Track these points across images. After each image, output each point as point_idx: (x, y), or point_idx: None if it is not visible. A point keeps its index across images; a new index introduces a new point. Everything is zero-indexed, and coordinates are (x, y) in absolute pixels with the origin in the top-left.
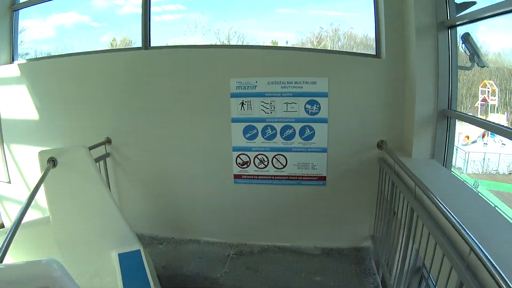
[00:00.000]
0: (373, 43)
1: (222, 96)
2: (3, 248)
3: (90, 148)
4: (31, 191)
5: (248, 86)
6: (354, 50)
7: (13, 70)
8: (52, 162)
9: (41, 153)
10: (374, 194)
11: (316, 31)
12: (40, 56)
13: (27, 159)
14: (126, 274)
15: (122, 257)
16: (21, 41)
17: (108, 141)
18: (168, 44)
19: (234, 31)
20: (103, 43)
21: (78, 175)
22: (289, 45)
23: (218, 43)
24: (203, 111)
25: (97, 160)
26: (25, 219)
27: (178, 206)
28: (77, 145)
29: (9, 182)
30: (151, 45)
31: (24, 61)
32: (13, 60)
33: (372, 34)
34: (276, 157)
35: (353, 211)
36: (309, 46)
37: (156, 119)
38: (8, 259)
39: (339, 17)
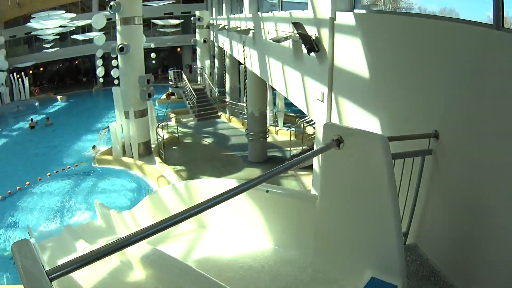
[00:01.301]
0: None
1: None
2: None
3: (409, 138)
4: (304, 156)
5: None
6: None
7: (350, 18)
8: (337, 141)
9: (327, 126)
10: None
11: None
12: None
13: (349, 114)
14: None
15: (373, 283)
16: None
17: (435, 135)
18: None
19: None
20: None
21: (364, 168)
22: None
23: None
24: None
25: (412, 154)
26: None
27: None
28: (375, 133)
29: None
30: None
31: (363, 12)
32: (353, 8)
33: None
34: None
35: None
36: None
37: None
38: (265, 224)
39: None
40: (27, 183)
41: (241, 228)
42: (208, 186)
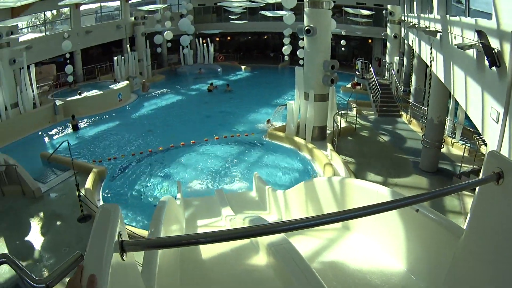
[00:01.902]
0: None
1: None
2: None
3: None
4: (459, 185)
5: None
6: None
7: None
8: (498, 175)
9: (491, 155)
10: None
11: None
12: None
13: None
14: None
15: None
16: None
17: None
18: None
19: None
20: None
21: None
22: None
23: None
24: None
25: None
26: None
27: None
28: None
29: None
30: None
31: None
32: None
33: None
34: None
35: None
36: None
37: None
38: (403, 243)
39: None
40: (192, 141)
41: (379, 240)
42: (363, 188)
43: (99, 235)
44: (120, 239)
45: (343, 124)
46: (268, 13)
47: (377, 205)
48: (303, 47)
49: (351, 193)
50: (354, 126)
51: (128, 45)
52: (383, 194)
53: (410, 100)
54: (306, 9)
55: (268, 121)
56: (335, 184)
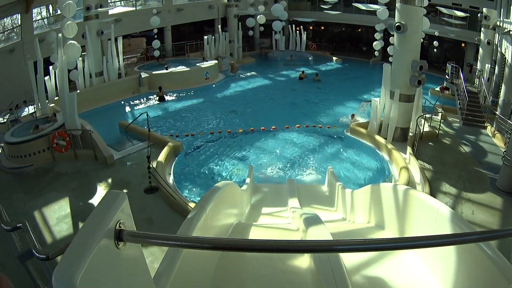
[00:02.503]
0: None
1: None
2: None
3: None
4: None
5: None
6: None
7: None
8: None
9: None
10: None
11: None
12: None
13: None
14: None
15: None
16: None
17: None
18: None
19: None
20: None
21: None
22: None
23: None
24: None
25: None
26: None
27: None
28: None
29: None
30: None
31: None
32: None
33: None
34: None
35: None
36: None
37: None
38: (458, 278)
39: None
40: (273, 127)
41: (429, 263)
42: (424, 203)
43: (94, 218)
44: (119, 227)
45: (426, 128)
46: (362, 6)
47: (427, 237)
48: (393, 44)
49: (412, 205)
50: (437, 131)
51: (219, 26)
52: (443, 214)
53: (497, 112)
54: (397, 4)
55: (353, 115)
56: (399, 193)
